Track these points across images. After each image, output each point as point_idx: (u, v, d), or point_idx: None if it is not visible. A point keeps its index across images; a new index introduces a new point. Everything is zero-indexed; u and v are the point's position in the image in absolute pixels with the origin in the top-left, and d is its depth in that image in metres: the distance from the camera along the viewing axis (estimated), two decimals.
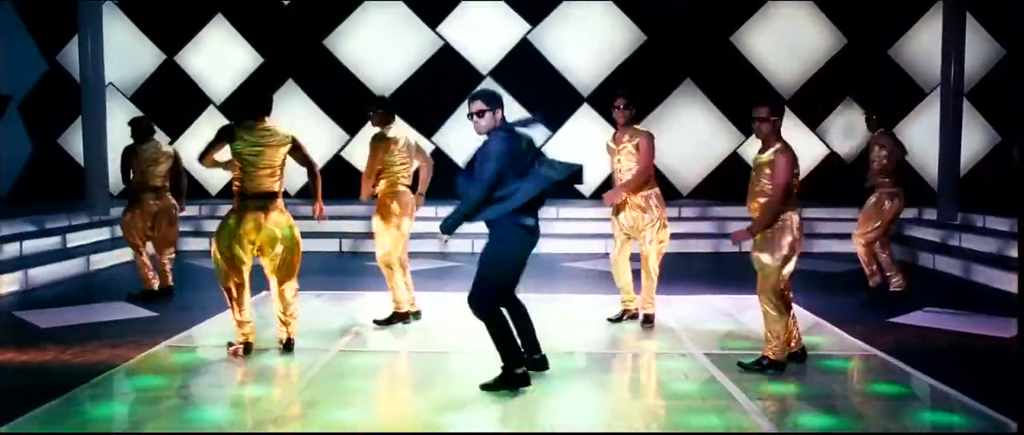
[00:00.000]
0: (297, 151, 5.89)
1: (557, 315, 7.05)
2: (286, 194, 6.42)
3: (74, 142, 13.57)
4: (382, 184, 6.66)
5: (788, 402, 4.92)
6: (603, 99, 13.73)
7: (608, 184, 7.58)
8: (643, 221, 6.51)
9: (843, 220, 12.47)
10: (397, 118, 6.82)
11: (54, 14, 13.87)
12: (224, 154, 5.89)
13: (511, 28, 13.92)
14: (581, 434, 4.39)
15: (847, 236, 11.84)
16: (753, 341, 6.10)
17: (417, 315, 6.89)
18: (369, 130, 6.88)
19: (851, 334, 6.47)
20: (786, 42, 13.84)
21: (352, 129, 13.83)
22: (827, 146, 13.91)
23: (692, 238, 11.71)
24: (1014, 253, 9.31)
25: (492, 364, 5.57)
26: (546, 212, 5.44)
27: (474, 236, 11.44)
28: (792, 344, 5.46)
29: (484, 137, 4.88)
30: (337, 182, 11.80)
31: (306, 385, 5.19)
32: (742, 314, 7.11)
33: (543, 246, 6.01)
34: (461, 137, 13.78)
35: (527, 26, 13.91)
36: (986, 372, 5.58)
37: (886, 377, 5.40)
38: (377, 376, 5.50)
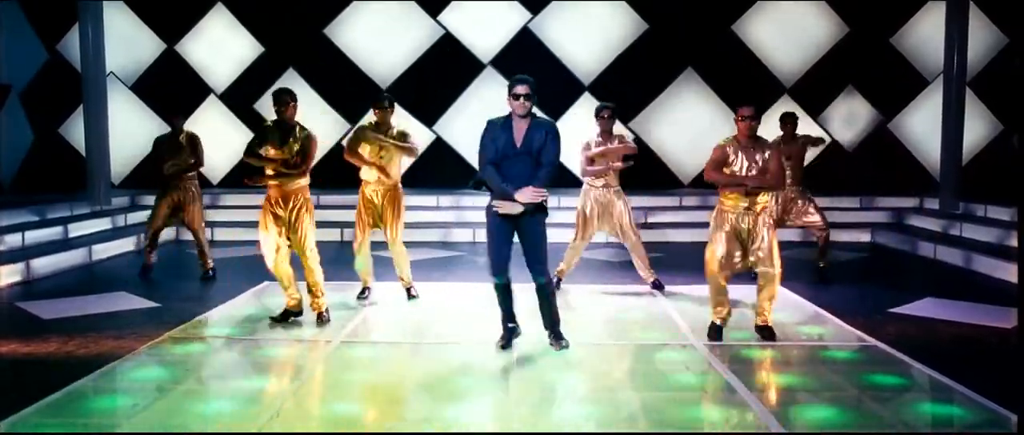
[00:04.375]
0: None
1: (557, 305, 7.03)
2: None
3: (75, 131, 13.57)
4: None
5: (788, 393, 4.94)
6: (604, 88, 13.71)
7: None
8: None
9: (845, 209, 12.49)
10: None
11: (54, 3, 13.84)
12: None
13: (512, 17, 13.89)
14: (582, 433, 4.39)
15: (848, 225, 11.91)
16: (754, 331, 6.13)
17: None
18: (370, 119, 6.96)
19: (852, 325, 6.49)
20: (788, 30, 13.81)
21: (353, 117, 13.81)
22: (829, 134, 13.88)
23: (693, 227, 11.68)
24: (1015, 243, 9.31)
25: (493, 354, 5.61)
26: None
27: (475, 225, 11.46)
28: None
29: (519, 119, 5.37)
30: (338, 170, 11.78)
31: (309, 377, 5.22)
32: (743, 304, 7.12)
33: None
34: (462, 126, 13.77)
35: (528, 15, 13.87)
36: (986, 363, 5.59)
37: (886, 368, 5.41)
38: (379, 367, 5.51)
